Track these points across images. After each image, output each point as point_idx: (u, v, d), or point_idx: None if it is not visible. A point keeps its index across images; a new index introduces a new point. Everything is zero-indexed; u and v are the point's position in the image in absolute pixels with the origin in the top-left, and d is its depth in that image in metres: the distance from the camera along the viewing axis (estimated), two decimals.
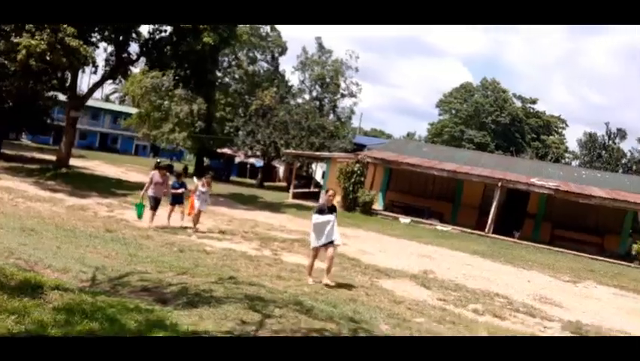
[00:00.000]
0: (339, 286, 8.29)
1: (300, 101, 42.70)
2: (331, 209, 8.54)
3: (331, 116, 42.46)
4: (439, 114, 69.81)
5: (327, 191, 8.95)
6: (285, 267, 9.32)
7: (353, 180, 22.49)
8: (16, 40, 17.80)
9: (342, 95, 42.82)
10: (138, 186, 20.81)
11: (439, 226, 21.39)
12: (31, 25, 17.75)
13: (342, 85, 42.22)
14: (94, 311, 4.56)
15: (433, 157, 25.97)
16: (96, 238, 9.78)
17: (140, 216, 12.27)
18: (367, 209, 22.16)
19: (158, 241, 10.36)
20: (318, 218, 8.37)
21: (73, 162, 26.61)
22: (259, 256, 10.18)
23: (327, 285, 8.08)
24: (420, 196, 24.18)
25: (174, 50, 22.98)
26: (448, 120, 66.59)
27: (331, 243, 8.37)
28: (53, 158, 26.14)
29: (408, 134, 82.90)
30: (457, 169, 22.90)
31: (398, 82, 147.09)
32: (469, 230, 20.97)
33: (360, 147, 34.37)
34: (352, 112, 44.31)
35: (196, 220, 12.46)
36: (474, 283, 10.53)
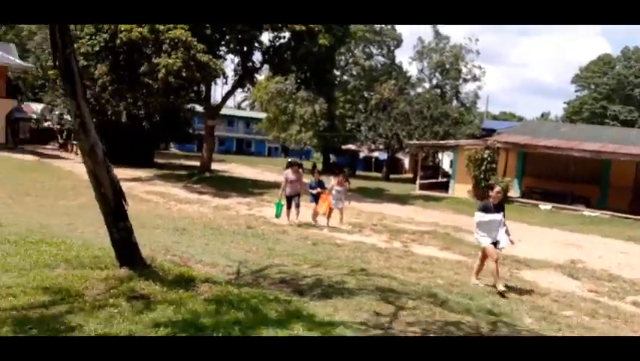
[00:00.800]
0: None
1: (420, 90, 41.89)
2: (498, 207, 7.56)
3: (454, 102, 40.97)
4: (576, 91, 63.59)
5: (490, 187, 7.94)
6: (416, 259, 9.19)
7: (484, 167, 21.42)
8: (156, 61, 19.92)
9: (465, 80, 41.12)
10: (272, 185, 22.07)
11: (586, 212, 19.48)
12: (167, 46, 19.73)
13: (464, 70, 40.54)
14: (239, 302, 4.92)
15: (573, 137, 23.71)
16: (238, 234, 10.53)
17: (277, 215, 12.64)
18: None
19: (293, 236, 10.84)
20: (482, 217, 7.47)
21: (214, 166, 29.02)
22: (389, 248, 10.17)
23: (501, 292, 7.09)
24: (561, 180, 22.19)
25: (293, 55, 23.93)
26: (587, 97, 60.33)
27: (496, 244, 7.48)
28: (198, 163, 28.77)
29: (542, 115, 76.71)
30: (602, 148, 20.64)
31: (524, 61, 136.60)
32: (621, 214, 18.78)
33: (490, 132, 32.57)
34: (477, 96, 42.44)
35: (329, 215, 12.61)
36: (632, 272, 9.42)
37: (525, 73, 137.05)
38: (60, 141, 38.73)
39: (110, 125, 29.87)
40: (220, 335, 4.01)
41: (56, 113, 37.78)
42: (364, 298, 5.58)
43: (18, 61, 34.03)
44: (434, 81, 42.12)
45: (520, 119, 72.46)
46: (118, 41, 20.63)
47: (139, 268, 5.65)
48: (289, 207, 12.63)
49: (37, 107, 43.90)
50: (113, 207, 5.69)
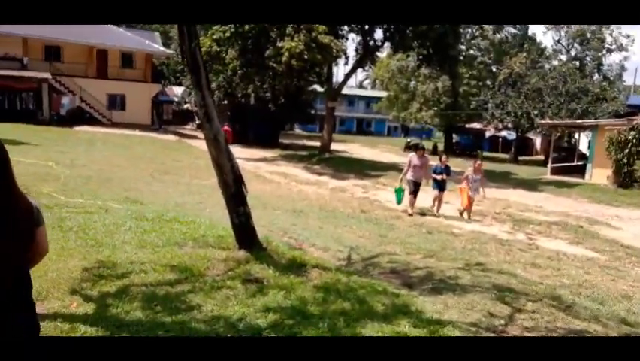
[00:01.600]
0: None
1: (555, 63, 38.28)
2: None
3: (596, 76, 36.88)
4: None
5: None
6: (542, 253, 8.51)
7: (627, 150, 19.09)
8: (280, 45, 20.64)
9: (609, 51, 36.78)
10: (390, 167, 21.91)
11: None
12: (291, 29, 20.32)
13: (608, 38, 36.16)
14: (347, 291, 4.98)
15: None
16: (352, 218, 10.61)
17: (399, 201, 11.86)
18: None
19: (408, 222, 10.64)
20: None
21: (334, 146, 29.56)
22: (511, 240, 9.54)
23: None
24: None
25: (415, 30, 23.24)
26: None
27: None
28: (319, 144, 29.51)
29: None
30: None
31: None
32: None
33: (637, 109, 28.88)
34: (623, 68, 37.81)
35: (469, 208, 11.52)
36: None
37: None
38: (197, 121, 42.15)
39: (239, 108, 31.92)
40: (325, 325, 4.10)
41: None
42: (478, 296, 5.32)
43: (162, 48, 37.55)
44: (572, 52, 38.31)
45: None
46: (246, 26, 21.71)
47: (255, 251, 5.98)
48: (412, 193, 11.57)
49: (178, 90, 48.23)
50: (234, 192, 6.05)
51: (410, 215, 11.32)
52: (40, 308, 3.94)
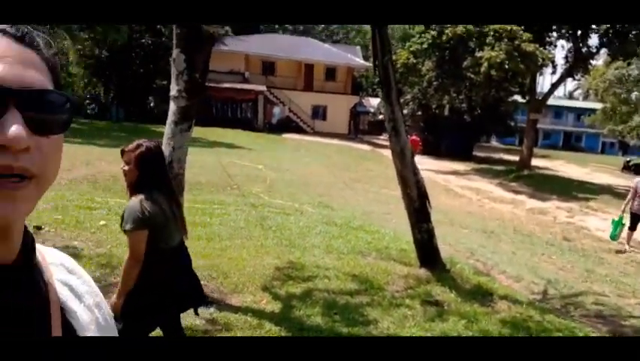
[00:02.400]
0: None
1: None
2: None
3: None
4: None
5: None
6: None
7: None
8: (479, 55, 19.76)
9: None
10: (604, 190, 19.17)
11: None
12: (491, 38, 19.30)
13: None
14: (539, 331, 4.43)
15: None
16: (552, 245, 9.51)
17: (613, 236, 9.83)
18: None
19: (622, 258, 9.11)
20: None
21: (535, 162, 27.12)
22: None
23: None
24: None
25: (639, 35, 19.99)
26: None
27: None
28: (517, 159, 27.41)
29: None
30: None
31: None
32: None
33: None
34: None
35: None
36: None
37: None
38: None
39: (433, 119, 31.54)
40: None
41: None
42: None
43: (361, 61, 39.21)
44: None
45: None
46: (444, 37, 21.37)
47: (438, 271, 5.75)
48: (633, 228, 9.62)
49: (374, 101, 49.88)
50: (417, 207, 5.92)
51: (623, 251, 9.52)
52: (236, 300, 4.38)
